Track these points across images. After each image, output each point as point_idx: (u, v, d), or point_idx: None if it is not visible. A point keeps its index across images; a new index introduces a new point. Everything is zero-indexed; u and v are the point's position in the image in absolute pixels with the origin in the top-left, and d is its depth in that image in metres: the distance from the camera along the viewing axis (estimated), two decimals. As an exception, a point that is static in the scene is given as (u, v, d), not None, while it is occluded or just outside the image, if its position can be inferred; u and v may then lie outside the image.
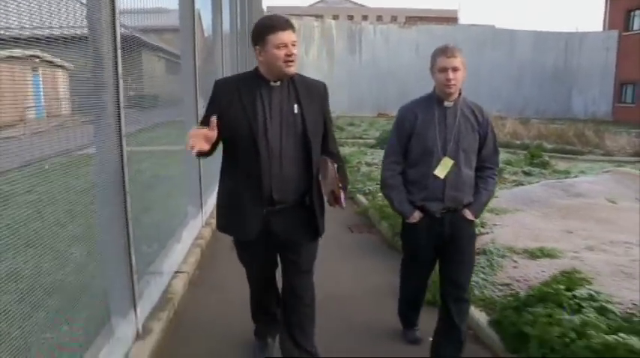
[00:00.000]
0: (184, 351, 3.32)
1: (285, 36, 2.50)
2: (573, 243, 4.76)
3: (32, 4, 2.26)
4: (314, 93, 2.74)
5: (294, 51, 2.53)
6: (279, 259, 2.97)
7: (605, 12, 30.80)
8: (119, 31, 2.92)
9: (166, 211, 4.57)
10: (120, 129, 2.97)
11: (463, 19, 47.29)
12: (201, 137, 2.40)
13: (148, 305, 3.53)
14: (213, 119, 2.41)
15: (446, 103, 2.93)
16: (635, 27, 28.32)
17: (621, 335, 2.60)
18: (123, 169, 3.04)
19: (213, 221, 5.89)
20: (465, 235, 3.03)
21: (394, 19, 41.34)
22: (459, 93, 2.94)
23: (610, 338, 2.58)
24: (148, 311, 3.49)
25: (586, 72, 29.91)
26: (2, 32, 2.02)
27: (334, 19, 34.49)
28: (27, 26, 2.21)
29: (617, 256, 4.39)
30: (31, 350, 2.21)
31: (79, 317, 2.76)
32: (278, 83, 2.63)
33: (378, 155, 11.58)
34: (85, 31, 2.73)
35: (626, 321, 2.82)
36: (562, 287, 3.22)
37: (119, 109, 2.94)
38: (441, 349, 3.10)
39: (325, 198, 2.71)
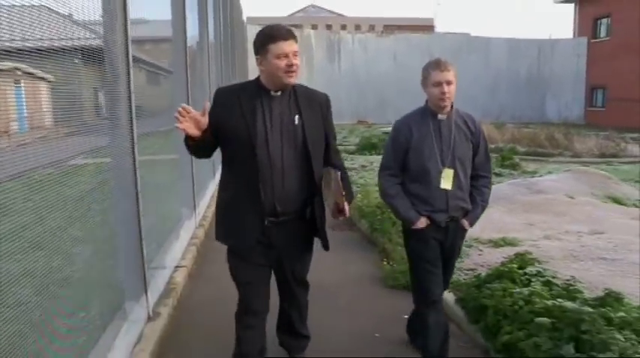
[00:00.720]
0: (188, 331, 3.78)
1: (286, 46, 2.48)
2: (533, 233, 5.33)
3: (13, 17, 2.28)
4: (315, 104, 2.73)
5: (295, 61, 2.51)
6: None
7: (575, 20, 31.90)
8: (131, 52, 3.40)
9: (165, 213, 5.02)
10: (133, 138, 3.43)
11: (439, 28, 48.27)
12: (193, 121, 2.43)
13: (155, 294, 3.98)
14: (206, 105, 2.46)
15: (440, 116, 2.98)
16: (602, 34, 29.39)
17: (559, 300, 3.13)
18: (135, 173, 3.50)
19: (206, 223, 6.41)
20: (459, 243, 3.19)
21: (372, 28, 42.12)
22: (452, 105, 3.01)
23: (549, 303, 3.11)
24: (155, 298, 3.94)
25: (558, 78, 30.84)
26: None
27: (313, 28, 35.16)
28: (4, 38, 2.20)
29: (569, 243, 4.97)
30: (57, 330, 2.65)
31: (98, 302, 3.22)
32: (279, 93, 2.62)
33: (358, 161, 12.18)
34: (64, 43, 2.82)
35: (565, 290, 3.35)
36: (515, 266, 3.76)
37: (132, 120, 3.41)
38: (417, 325, 3.37)
39: (328, 209, 2.71)
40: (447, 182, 2.95)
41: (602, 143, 15.41)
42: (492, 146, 14.88)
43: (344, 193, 2.56)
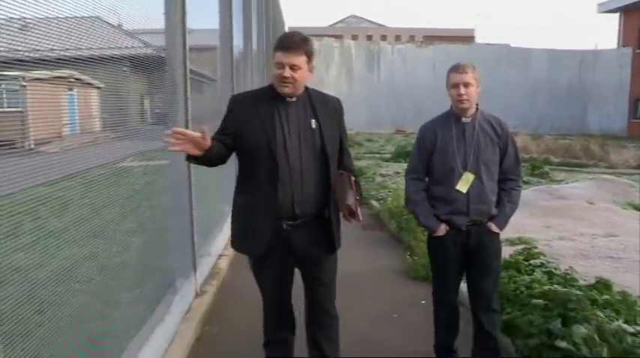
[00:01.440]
0: (230, 307, 4.35)
1: (282, 57, 2.52)
2: (548, 235, 5.70)
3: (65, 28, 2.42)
4: (330, 108, 2.77)
5: (287, 74, 2.52)
6: (299, 276, 2.96)
7: (619, 30, 31.48)
8: (188, 65, 4.00)
9: (210, 209, 5.61)
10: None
11: (479, 39, 48.13)
12: (191, 142, 2.39)
13: (202, 275, 4.56)
14: (204, 128, 2.41)
15: (464, 119, 2.98)
16: (649, 44, 28.97)
17: (555, 286, 3.55)
18: (189, 174, 4.08)
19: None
20: (489, 247, 3.07)
21: (412, 38, 42.40)
22: (477, 109, 3.01)
23: (546, 288, 3.53)
24: (202, 279, 4.52)
25: (601, 89, 30.52)
26: (47, 54, 2.22)
27: (353, 39, 35.74)
28: (58, 48, 2.33)
29: (582, 243, 5.32)
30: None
31: (156, 279, 3.80)
32: (294, 99, 2.65)
33: (392, 167, 12.63)
34: (115, 51, 3.04)
35: (563, 278, 3.76)
36: (522, 258, 4.17)
37: (187, 122, 4.00)
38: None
39: (341, 212, 2.72)
40: (463, 185, 2.94)
41: (637, 154, 15.41)
42: (526, 156, 15.06)
43: (358, 197, 2.63)
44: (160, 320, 3.48)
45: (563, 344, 2.88)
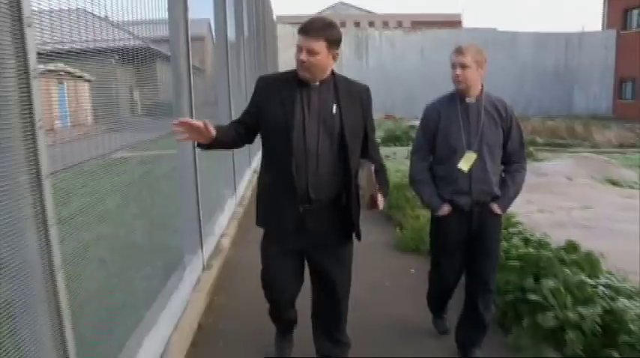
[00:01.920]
0: (234, 279, 4.73)
1: (301, 40, 2.54)
2: (529, 209, 6.11)
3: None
4: (355, 95, 2.75)
5: (303, 57, 2.53)
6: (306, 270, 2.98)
7: (604, 11, 31.91)
8: (191, 57, 4.32)
9: (213, 191, 5.96)
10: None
11: (467, 23, 48.40)
12: (196, 130, 2.46)
13: (207, 251, 4.92)
14: (206, 122, 2.47)
15: (468, 100, 3.01)
16: (633, 25, 29.43)
17: (530, 250, 3.94)
18: (195, 159, 4.39)
19: (245, 202, 7.35)
20: (491, 229, 3.10)
21: (400, 24, 42.65)
22: (482, 90, 3.03)
23: (522, 251, 3.92)
24: (208, 255, 4.88)
25: (586, 70, 30.99)
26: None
27: (342, 26, 35.94)
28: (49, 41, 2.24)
29: (559, 215, 5.75)
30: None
31: (165, 255, 4.15)
32: (317, 83, 2.65)
33: (383, 151, 12.92)
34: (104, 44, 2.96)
35: (537, 243, 4.16)
36: (501, 227, 4.56)
37: (192, 110, 4.33)
38: (464, 335, 3.32)
39: (363, 201, 2.72)
40: (465, 163, 2.96)
41: (623, 134, 15.94)
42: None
43: (378, 186, 2.60)
44: (173, 290, 3.84)
45: (533, 296, 3.28)
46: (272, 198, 2.75)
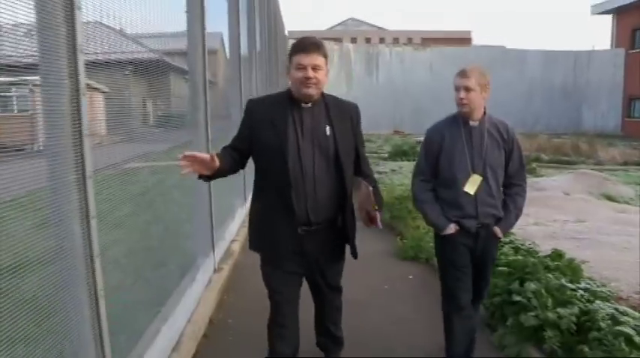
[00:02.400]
0: (243, 281, 5.04)
1: (305, 59, 2.52)
2: (525, 221, 6.37)
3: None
4: (346, 114, 2.76)
5: (311, 74, 2.53)
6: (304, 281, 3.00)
7: (613, 31, 32.16)
8: (207, 75, 4.67)
9: (224, 200, 6.27)
10: (207, 135, 4.69)
11: (477, 40, 48.75)
12: (199, 163, 2.44)
13: (219, 255, 5.24)
14: (213, 154, 2.47)
15: (471, 123, 3.00)
16: (641, 45, 29.69)
17: (518, 256, 4.22)
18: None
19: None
20: (492, 251, 3.18)
21: (410, 40, 43.09)
22: (484, 112, 3.03)
23: (511, 258, 4.21)
24: (219, 258, 5.20)
25: (595, 88, 31.10)
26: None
27: (352, 42, 36.48)
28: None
29: (553, 228, 6.01)
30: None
31: (180, 256, 4.47)
32: (309, 104, 2.65)
33: (389, 166, 13.38)
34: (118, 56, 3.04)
35: (526, 251, 4.44)
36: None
37: (207, 123, 4.67)
38: None
39: (360, 219, 2.73)
40: (471, 186, 2.96)
41: (628, 152, 16.20)
42: (519, 154, 15.81)
43: (377, 206, 2.62)
44: (187, 288, 4.16)
45: (517, 298, 3.57)
46: (268, 222, 2.70)
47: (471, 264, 3.10)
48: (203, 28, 4.63)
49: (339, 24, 52.38)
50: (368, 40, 41.76)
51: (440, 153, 3.04)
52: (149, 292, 3.66)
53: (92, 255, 2.09)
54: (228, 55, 7.05)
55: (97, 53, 2.58)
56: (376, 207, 2.61)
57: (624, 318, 3.12)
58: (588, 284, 3.70)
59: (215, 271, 4.89)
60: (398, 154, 15.44)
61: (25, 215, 1.87)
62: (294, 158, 2.59)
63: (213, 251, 4.92)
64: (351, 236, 2.82)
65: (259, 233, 2.79)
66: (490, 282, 3.41)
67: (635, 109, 30.19)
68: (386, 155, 16.30)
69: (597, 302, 3.38)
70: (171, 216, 4.29)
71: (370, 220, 2.66)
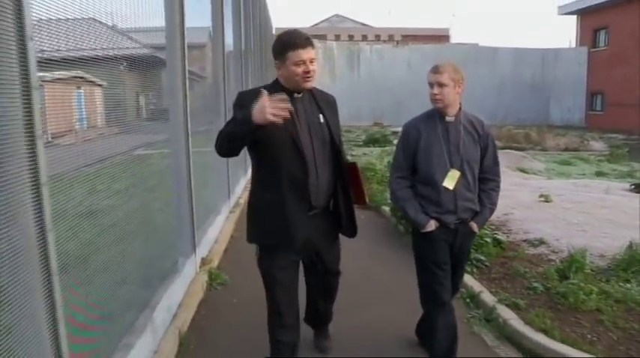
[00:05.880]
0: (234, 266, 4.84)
1: (304, 54, 2.46)
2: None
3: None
4: (331, 104, 2.76)
5: (312, 67, 2.49)
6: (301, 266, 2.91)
7: (577, 30, 32.25)
8: (187, 70, 4.40)
9: (206, 197, 5.78)
10: (187, 131, 4.43)
11: (454, 38, 48.68)
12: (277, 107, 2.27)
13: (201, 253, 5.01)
14: (264, 92, 2.31)
15: (447, 118, 2.89)
16: (601, 44, 29.78)
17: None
18: (189, 158, 4.39)
19: (238, 208, 7.16)
20: (468, 246, 3.09)
21: (391, 37, 42.88)
22: (460, 108, 2.92)
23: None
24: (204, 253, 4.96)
25: (561, 84, 31.15)
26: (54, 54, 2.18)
27: (336, 38, 36.14)
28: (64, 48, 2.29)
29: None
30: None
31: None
32: (300, 94, 2.61)
33: (362, 150, 14.90)
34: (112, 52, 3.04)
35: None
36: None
37: (187, 118, 4.40)
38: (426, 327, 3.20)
39: (352, 199, 2.77)
40: (450, 182, 2.85)
41: (572, 140, 17.27)
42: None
43: (362, 184, 2.72)
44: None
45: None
46: (280, 211, 2.57)
47: (450, 260, 2.98)
48: (182, 17, 4.26)
49: (324, 20, 51.83)
50: (351, 37, 41.45)
51: (417, 149, 2.91)
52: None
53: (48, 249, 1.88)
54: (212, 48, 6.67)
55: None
56: (364, 187, 2.75)
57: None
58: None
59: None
60: (371, 142, 16.90)
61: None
62: (299, 144, 2.53)
63: (195, 250, 4.68)
64: (350, 216, 2.79)
65: (267, 224, 2.63)
66: (463, 275, 3.30)
67: (596, 103, 30.36)
68: (361, 142, 17.45)
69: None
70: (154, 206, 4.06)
71: (360, 199, 2.79)
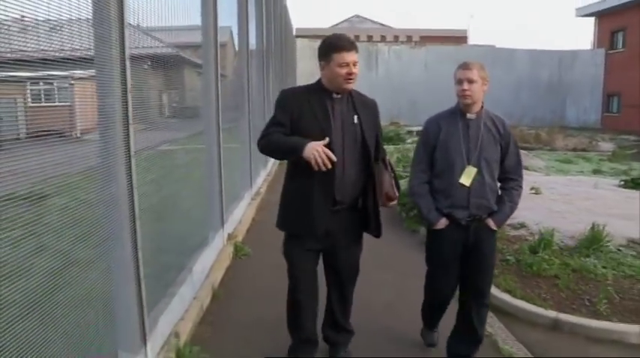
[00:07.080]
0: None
1: (349, 56, 2.58)
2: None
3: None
4: (369, 107, 2.85)
5: (355, 70, 2.61)
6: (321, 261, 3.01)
7: (594, 32, 32.42)
8: (220, 69, 5.16)
9: (231, 184, 6.28)
10: (219, 126, 5.24)
11: (472, 39, 48.91)
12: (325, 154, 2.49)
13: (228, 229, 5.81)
14: (326, 140, 2.55)
15: (469, 115, 2.90)
16: (619, 45, 29.94)
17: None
18: (220, 154, 5.15)
19: (259, 196, 7.95)
20: (487, 244, 2.97)
21: (409, 38, 43.35)
22: (482, 106, 2.92)
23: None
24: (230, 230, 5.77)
25: (578, 85, 31.31)
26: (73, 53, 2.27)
27: (355, 39, 36.54)
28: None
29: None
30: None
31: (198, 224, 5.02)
32: (339, 95, 2.72)
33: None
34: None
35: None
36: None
37: (219, 114, 5.22)
38: (457, 348, 3.18)
39: (380, 200, 2.83)
40: (466, 178, 2.85)
41: (581, 141, 17.70)
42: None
43: (395, 187, 2.82)
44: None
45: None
46: (306, 202, 2.72)
47: (459, 258, 3.01)
48: (216, 18, 4.85)
49: (344, 21, 52.41)
50: (369, 38, 42.06)
51: (436, 144, 2.96)
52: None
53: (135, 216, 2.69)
54: (237, 48, 7.15)
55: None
56: (396, 193, 2.86)
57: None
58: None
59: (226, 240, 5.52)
60: (385, 140, 17.14)
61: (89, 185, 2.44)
62: (332, 141, 2.64)
63: (223, 225, 5.50)
64: (374, 215, 2.86)
65: (292, 213, 2.82)
66: (491, 283, 3.13)
67: (613, 105, 30.50)
68: (375, 140, 18.00)
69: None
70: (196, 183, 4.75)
71: (388, 200, 2.85)
